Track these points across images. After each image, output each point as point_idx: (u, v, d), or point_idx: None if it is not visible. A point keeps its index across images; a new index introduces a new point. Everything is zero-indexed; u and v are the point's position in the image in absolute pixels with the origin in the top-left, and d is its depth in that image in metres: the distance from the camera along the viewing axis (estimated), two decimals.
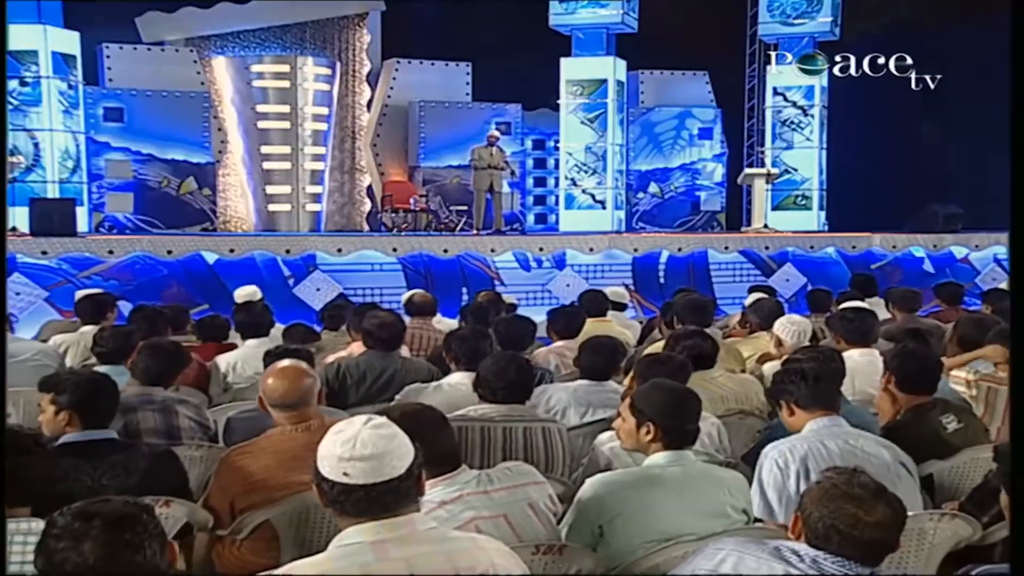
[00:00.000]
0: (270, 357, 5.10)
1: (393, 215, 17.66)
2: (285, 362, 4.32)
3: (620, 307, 9.65)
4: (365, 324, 6.27)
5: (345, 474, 2.72)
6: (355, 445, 2.74)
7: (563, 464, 4.75)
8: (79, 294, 9.03)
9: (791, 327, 6.89)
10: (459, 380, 5.37)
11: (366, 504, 2.72)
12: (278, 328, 8.17)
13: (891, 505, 2.85)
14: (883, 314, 9.15)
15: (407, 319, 8.39)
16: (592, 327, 8.45)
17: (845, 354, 6.31)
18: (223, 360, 6.81)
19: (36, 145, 15.66)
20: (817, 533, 2.83)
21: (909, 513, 4.01)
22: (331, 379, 6.03)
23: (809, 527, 2.86)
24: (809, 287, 15.20)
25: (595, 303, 8.72)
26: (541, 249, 14.94)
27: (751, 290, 10.22)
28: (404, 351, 7.12)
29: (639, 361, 5.07)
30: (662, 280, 15.41)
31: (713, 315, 7.82)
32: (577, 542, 3.74)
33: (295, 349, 5.35)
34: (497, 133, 16.48)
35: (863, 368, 5.98)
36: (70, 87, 16.08)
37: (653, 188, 20.71)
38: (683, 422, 3.96)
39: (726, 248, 15.79)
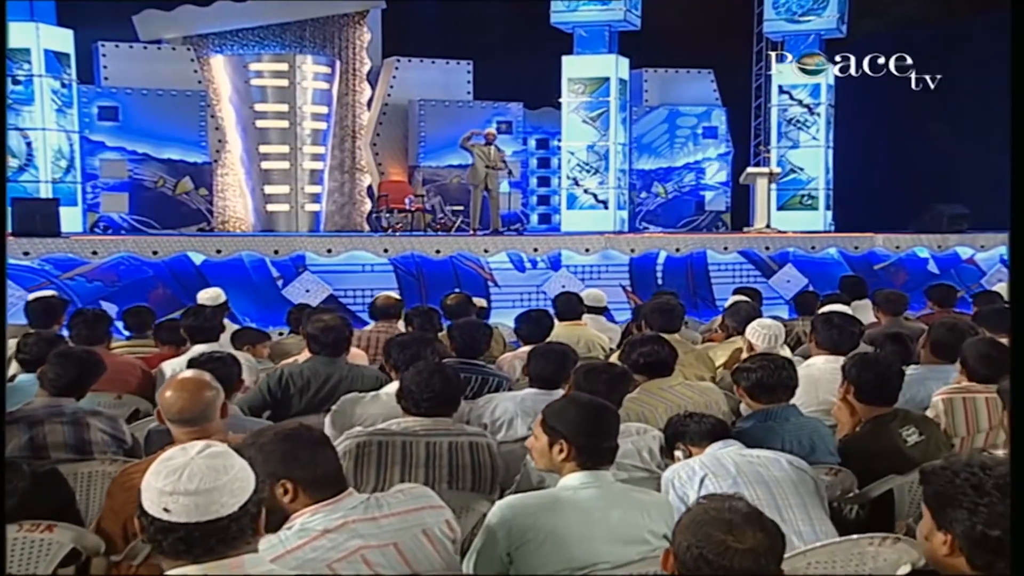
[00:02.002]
0: (194, 365, 4.83)
1: (388, 215, 17.44)
2: (186, 373, 4.06)
3: (598, 311, 9.38)
4: (309, 328, 6.02)
5: (165, 509, 2.44)
6: (181, 477, 2.45)
7: (492, 482, 4.48)
8: (30, 296, 8.80)
9: (762, 331, 6.66)
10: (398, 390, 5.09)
11: (186, 545, 2.44)
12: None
13: (765, 531, 2.58)
14: (871, 317, 8.93)
15: (371, 323, 8.21)
16: (565, 331, 8.24)
17: (809, 360, 6.11)
18: (169, 366, 6.55)
19: (29, 144, 15.48)
20: (686, 565, 2.56)
21: (816, 525, 3.85)
22: (273, 387, 5.77)
23: (679, 559, 2.60)
24: (811, 288, 14.97)
25: (568, 307, 8.48)
26: (536, 250, 14.70)
27: (735, 292, 9.98)
28: (362, 356, 6.91)
29: (576, 371, 4.81)
30: (660, 281, 15.16)
31: (683, 319, 7.54)
32: (485, 570, 3.48)
33: (219, 357, 5.05)
34: (494, 131, 16.22)
35: (827, 376, 5.70)
36: (63, 85, 15.92)
37: (657, 188, 20.46)
38: (599, 440, 3.68)
39: (725, 249, 15.52)
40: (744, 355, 6.71)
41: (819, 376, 5.76)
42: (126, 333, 8.12)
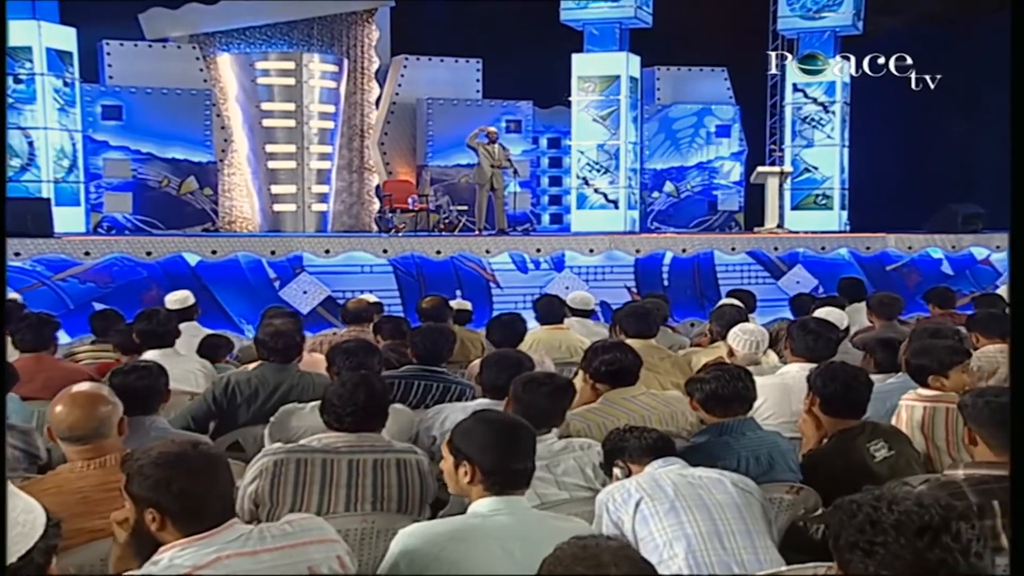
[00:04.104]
0: (117, 375, 4.57)
1: (391, 215, 17.24)
2: (82, 385, 3.76)
3: (585, 314, 9.09)
4: (258, 333, 5.78)
5: None
6: None
7: (420, 502, 4.20)
8: None
9: (743, 336, 6.36)
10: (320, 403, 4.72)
11: None
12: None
13: (633, 565, 2.35)
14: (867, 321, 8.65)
15: (342, 328, 7.99)
16: (546, 335, 8.01)
17: (783, 368, 5.83)
18: None
19: (31, 144, 15.33)
20: None
21: (761, 553, 3.56)
22: (218, 396, 5.52)
23: None
24: (821, 290, 14.66)
25: (549, 310, 8.21)
26: (539, 250, 14.42)
27: (728, 295, 9.70)
28: (324, 363, 6.66)
29: (515, 382, 4.51)
30: (666, 282, 14.88)
31: (658, 324, 7.22)
32: None
33: (144, 366, 4.71)
34: (495, 129, 15.92)
35: (801, 385, 5.36)
36: (66, 84, 15.77)
37: (669, 187, 20.14)
38: (508, 462, 3.38)
39: (733, 249, 15.20)
40: (726, 361, 6.44)
41: (793, 385, 5.45)
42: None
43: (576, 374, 5.93)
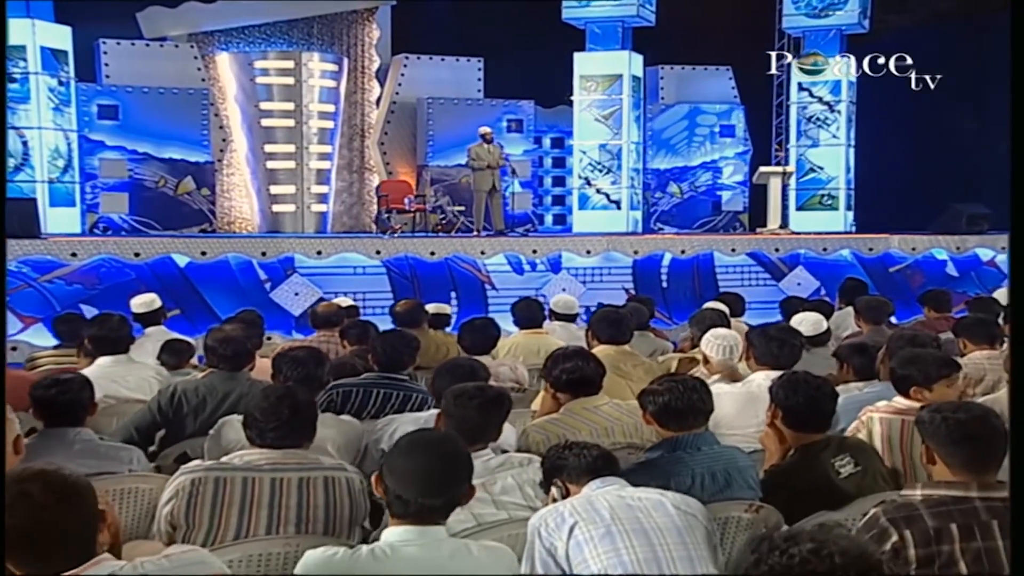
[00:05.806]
0: (39, 389, 4.36)
1: (388, 215, 17.06)
2: None
3: (568, 318, 8.85)
4: (207, 339, 5.55)
5: None
6: None
7: (348, 524, 3.95)
8: None
9: (716, 342, 6.09)
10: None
11: None
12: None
13: None
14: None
15: (312, 332, 7.81)
16: (524, 340, 7.82)
17: (748, 377, 5.60)
18: None
19: (25, 144, 15.19)
20: None
21: (699, 573, 3.35)
22: (164, 405, 5.31)
23: None
24: (823, 292, 14.43)
25: (527, 314, 7.99)
26: (535, 251, 14.19)
27: (715, 299, 9.46)
28: None
29: (445, 395, 4.27)
30: (664, 284, 14.66)
31: (632, 329, 6.96)
32: None
33: (66, 379, 4.39)
34: (488, 129, 15.70)
35: (766, 394, 5.14)
36: (61, 83, 15.62)
37: (672, 188, 19.90)
38: (418, 495, 3.13)
39: (733, 250, 14.94)
40: (701, 368, 6.22)
41: (759, 394, 5.20)
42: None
43: None
